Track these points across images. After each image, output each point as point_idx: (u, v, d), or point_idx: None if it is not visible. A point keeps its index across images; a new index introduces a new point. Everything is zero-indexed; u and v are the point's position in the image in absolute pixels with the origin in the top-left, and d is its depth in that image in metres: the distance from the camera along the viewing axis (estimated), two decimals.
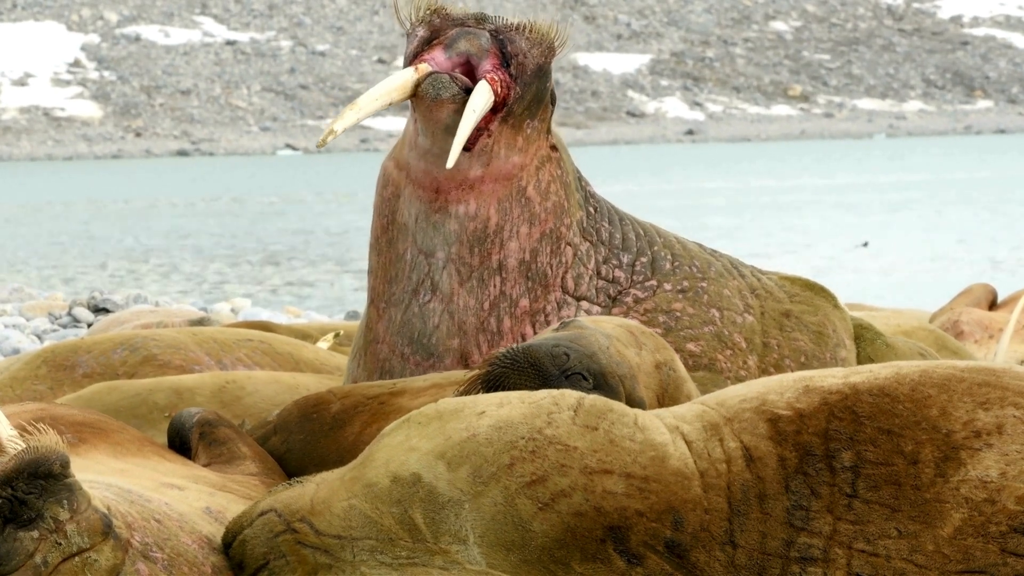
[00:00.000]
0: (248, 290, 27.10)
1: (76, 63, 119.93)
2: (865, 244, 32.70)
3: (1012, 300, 11.89)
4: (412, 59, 6.59)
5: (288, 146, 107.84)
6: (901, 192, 53.03)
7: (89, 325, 15.11)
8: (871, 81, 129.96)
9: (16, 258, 35.80)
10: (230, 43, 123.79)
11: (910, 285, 25.59)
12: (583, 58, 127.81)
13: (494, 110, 6.50)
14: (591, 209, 6.91)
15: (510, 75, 6.48)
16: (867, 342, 7.30)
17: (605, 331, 5.45)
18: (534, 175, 6.70)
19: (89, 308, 16.26)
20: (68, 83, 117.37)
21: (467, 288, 6.66)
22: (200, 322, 10.77)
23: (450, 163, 6.37)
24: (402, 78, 6.53)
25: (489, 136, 6.55)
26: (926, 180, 60.07)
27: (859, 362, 7.21)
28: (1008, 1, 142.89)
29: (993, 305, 12.13)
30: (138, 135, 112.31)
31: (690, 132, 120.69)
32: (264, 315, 16.00)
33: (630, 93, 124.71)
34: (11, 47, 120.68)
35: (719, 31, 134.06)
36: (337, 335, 9.38)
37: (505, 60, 6.49)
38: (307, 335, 9.58)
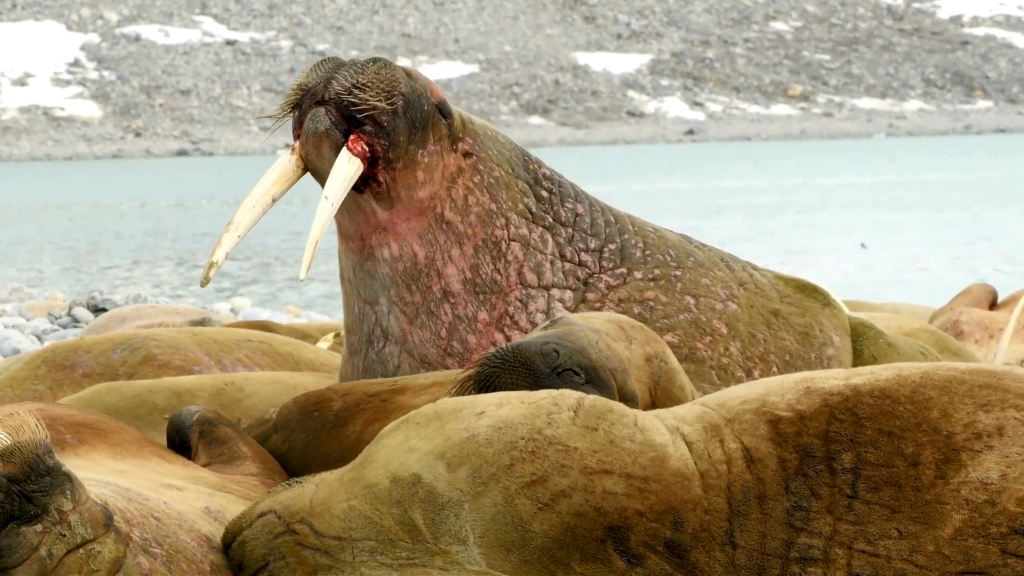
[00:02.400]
0: (248, 290, 27.09)
1: (76, 63, 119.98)
2: (863, 246, 32.70)
3: (1012, 300, 11.88)
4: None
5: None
6: (901, 192, 53.03)
7: (89, 325, 15.09)
8: (871, 81, 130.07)
9: (16, 258, 35.80)
10: (230, 43, 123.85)
11: (909, 285, 25.60)
12: (583, 58, 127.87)
13: (372, 164, 6.37)
14: (543, 192, 6.78)
15: (367, 132, 6.35)
16: (869, 340, 7.27)
17: (594, 326, 5.47)
18: (447, 197, 6.58)
19: (89, 308, 16.27)
20: (68, 83, 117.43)
21: (418, 324, 6.59)
22: (200, 322, 10.77)
23: (302, 274, 6.25)
24: (280, 167, 6.44)
25: (380, 185, 6.44)
26: (926, 180, 60.07)
27: (863, 361, 7.18)
28: (1008, 1, 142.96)
29: (993, 305, 12.13)
30: (138, 135, 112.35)
31: (690, 132, 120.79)
32: (264, 315, 16.00)
33: (630, 93, 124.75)
34: (11, 47, 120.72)
35: (719, 31, 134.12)
36: (337, 335, 9.38)
37: (358, 122, 6.35)
38: (307, 335, 9.58)
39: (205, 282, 6.28)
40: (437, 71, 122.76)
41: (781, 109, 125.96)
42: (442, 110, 6.59)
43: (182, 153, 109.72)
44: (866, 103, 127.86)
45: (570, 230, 6.76)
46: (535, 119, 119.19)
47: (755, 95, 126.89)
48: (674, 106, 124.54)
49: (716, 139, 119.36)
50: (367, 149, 6.35)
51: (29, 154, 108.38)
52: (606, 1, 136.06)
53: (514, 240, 6.66)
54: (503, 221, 6.66)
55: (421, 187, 6.52)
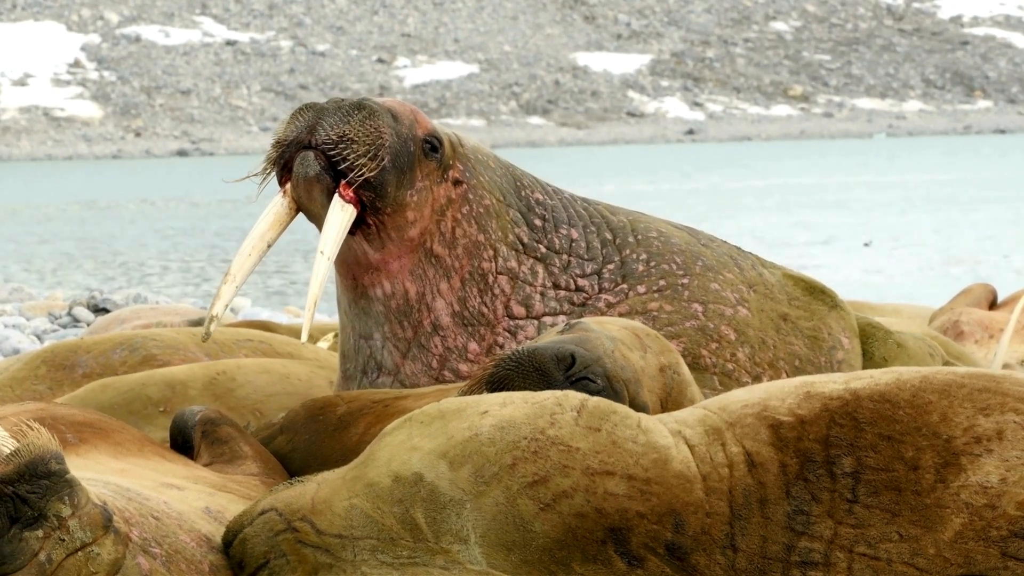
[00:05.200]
0: (248, 290, 27.08)
1: (76, 63, 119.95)
2: (867, 244, 32.69)
3: (1012, 300, 11.88)
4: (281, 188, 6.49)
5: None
6: (901, 192, 53.03)
7: (89, 325, 15.11)
8: (871, 81, 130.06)
9: (16, 258, 35.79)
10: (230, 43, 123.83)
11: (910, 285, 25.60)
12: (583, 58, 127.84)
13: (362, 208, 6.36)
14: (536, 221, 6.72)
15: (351, 183, 6.32)
16: (879, 341, 7.25)
17: (610, 333, 5.41)
18: (436, 231, 6.56)
19: (89, 308, 16.28)
20: (68, 83, 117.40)
21: (410, 357, 6.60)
22: (200, 322, 10.77)
23: (304, 337, 6.26)
24: (273, 213, 6.43)
25: (370, 228, 6.43)
26: (926, 180, 60.07)
27: (873, 362, 7.15)
28: (1008, 1, 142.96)
29: (993, 305, 12.13)
30: (138, 135, 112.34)
31: (690, 132, 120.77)
32: (264, 315, 15.99)
33: (630, 93, 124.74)
34: (11, 47, 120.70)
35: (719, 31, 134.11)
36: (337, 335, 9.38)
37: (343, 174, 6.31)
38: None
39: (206, 337, 6.30)
40: (437, 71, 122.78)
41: (781, 109, 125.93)
42: (431, 143, 6.54)
43: (182, 153, 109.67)
44: (866, 103, 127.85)
45: (565, 257, 6.70)
46: (535, 119, 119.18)
47: (755, 95, 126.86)
48: (674, 106, 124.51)
49: (716, 139, 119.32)
50: (352, 198, 6.34)
51: (29, 154, 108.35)
52: (606, 1, 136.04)
53: (501, 273, 6.62)
54: (491, 253, 6.63)
55: (411, 226, 6.51)
